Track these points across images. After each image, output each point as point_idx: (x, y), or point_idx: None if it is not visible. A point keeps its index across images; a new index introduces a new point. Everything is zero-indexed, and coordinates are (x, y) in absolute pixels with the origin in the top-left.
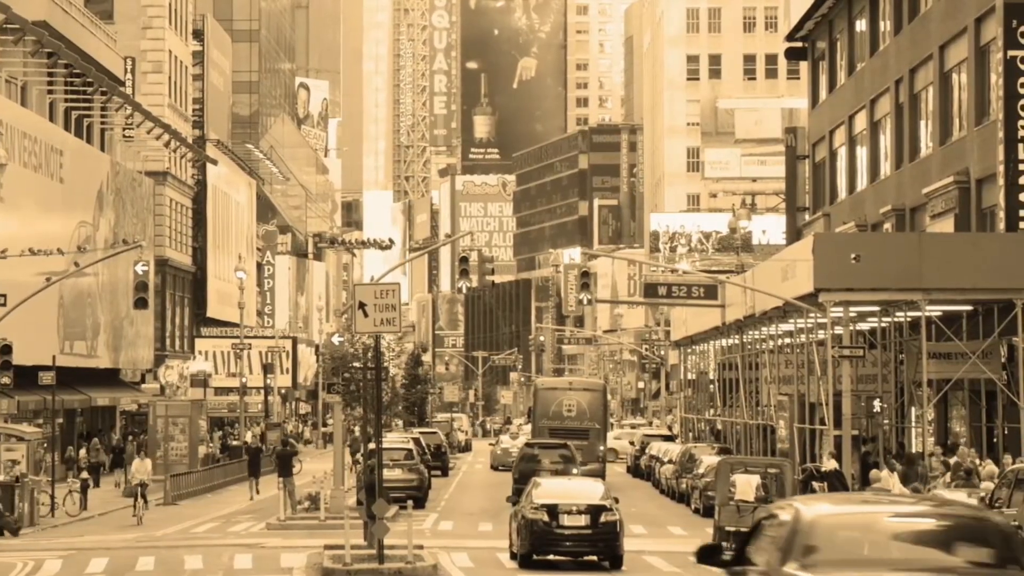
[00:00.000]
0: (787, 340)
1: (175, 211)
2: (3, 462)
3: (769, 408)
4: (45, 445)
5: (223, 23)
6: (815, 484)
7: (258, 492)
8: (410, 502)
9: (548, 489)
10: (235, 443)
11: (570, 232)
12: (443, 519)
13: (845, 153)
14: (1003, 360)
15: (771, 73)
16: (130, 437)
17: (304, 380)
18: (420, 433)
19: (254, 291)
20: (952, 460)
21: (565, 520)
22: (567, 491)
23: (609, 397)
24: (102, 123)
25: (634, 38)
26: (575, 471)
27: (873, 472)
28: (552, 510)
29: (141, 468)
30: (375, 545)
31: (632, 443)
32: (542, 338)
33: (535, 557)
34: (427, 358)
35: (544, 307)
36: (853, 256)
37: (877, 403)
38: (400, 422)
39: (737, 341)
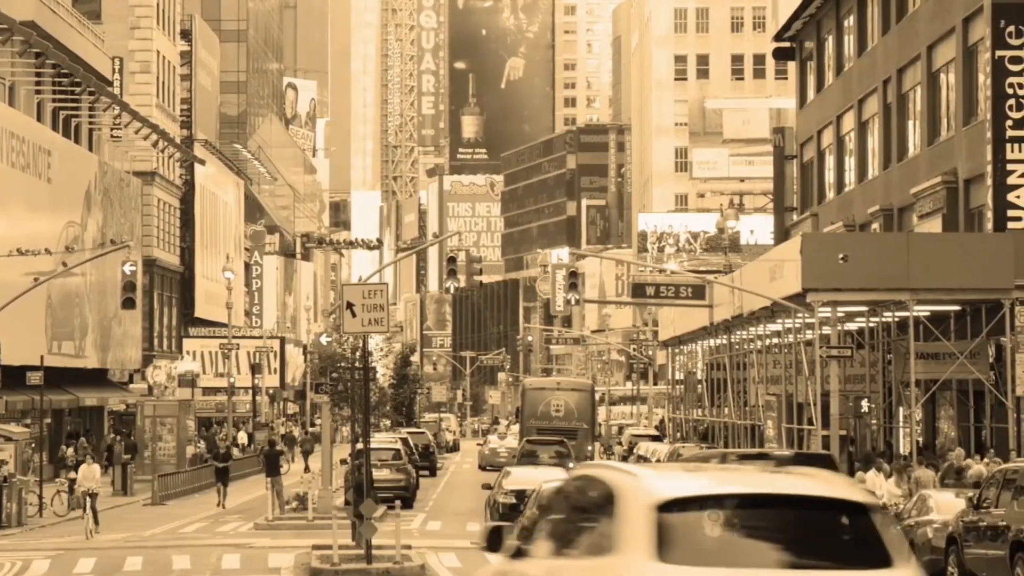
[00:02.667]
0: (775, 340)
1: (163, 211)
2: None
3: (757, 408)
4: (33, 445)
5: (211, 23)
6: None
7: (223, 507)
8: (398, 502)
9: (516, 477)
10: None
11: (558, 232)
12: (431, 519)
13: (833, 153)
14: (991, 360)
15: (759, 73)
16: (118, 437)
17: (292, 380)
18: (408, 433)
19: (242, 291)
20: (946, 464)
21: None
22: (533, 479)
23: (597, 397)
24: (90, 123)
25: (622, 38)
26: (571, 465)
27: (859, 474)
28: (519, 494)
29: (88, 475)
30: (363, 545)
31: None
32: (530, 338)
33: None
34: (415, 358)
35: (532, 307)
36: (841, 256)
37: (865, 403)
38: (388, 422)
39: (725, 341)
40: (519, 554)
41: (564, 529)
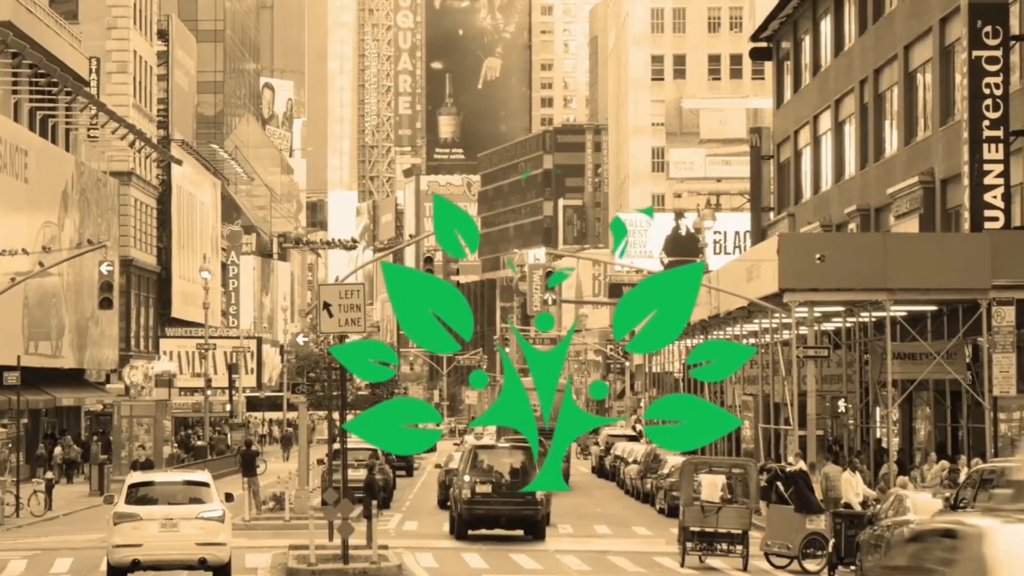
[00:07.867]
0: (752, 340)
1: (140, 211)
2: None
3: (734, 408)
4: (10, 445)
5: (188, 23)
6: (779, 484)
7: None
8: (375, 502)
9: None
10: (199, 443)
11: (535, 232)
12: (408, 519)
13: (810, 153)
14: (968, 360)
15: (736, 73)
16: (95, 437)
17: (269, 380)
18: None
19: (219, 291)
20: (946, 467)
21: None
22: None
23: (575, 397)
24: (67, 123)
25: (599, 38)
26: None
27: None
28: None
29: None
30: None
31: None
32: (507, 338)
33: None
34: None
35: (509, 307)
36: (818, 256)
37: (842, 403)
38: None
39: (701, 341)
40: None
41: None
